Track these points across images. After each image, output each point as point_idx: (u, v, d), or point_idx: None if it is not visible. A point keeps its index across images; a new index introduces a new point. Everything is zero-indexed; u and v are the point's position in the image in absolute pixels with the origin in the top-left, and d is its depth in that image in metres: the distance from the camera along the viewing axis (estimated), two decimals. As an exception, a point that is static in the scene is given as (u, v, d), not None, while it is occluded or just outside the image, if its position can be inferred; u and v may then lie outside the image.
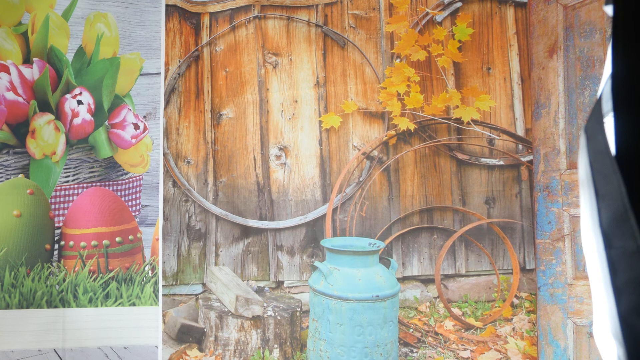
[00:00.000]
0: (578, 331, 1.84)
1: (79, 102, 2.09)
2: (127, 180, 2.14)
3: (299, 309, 2.00)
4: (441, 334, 1.95)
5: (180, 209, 2.07)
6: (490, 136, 1.98)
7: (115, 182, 2.13)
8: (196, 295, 2.04)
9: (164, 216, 2.06)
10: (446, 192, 1.99)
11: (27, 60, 2.07)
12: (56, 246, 2.08)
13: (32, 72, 2.07)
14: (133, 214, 2.13)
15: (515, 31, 1.99)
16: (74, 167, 2.10)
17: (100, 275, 2.05)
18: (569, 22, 1.89)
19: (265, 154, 2.06)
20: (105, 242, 2.06)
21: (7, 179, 2.06)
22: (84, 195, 2.08)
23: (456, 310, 1.97)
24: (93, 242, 2.04)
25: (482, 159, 1.98)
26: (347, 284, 1.84)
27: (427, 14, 2.02)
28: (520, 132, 1.97)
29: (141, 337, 2.02)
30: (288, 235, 2.03)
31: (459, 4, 2.02)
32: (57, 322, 2.00)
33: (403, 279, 1.99)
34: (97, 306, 2.02)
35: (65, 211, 2.09)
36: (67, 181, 2.09)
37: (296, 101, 2.06)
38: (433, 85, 2.01)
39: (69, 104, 2.08)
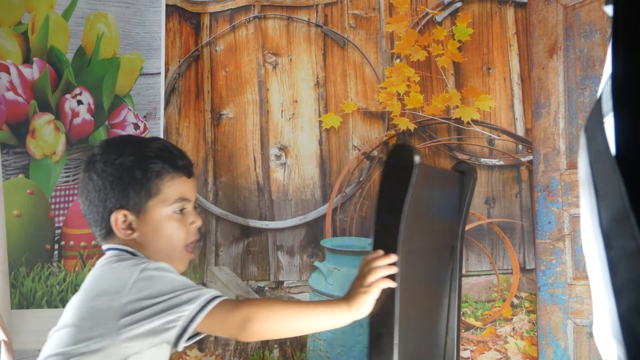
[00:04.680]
0: (578, 331, 1.84)
1: (79, 102, 2.09)
2: (127, 180, 2.14)
3: (299, 309, 2.00)
4: (441, 334, 1.95)
5: (180, 209, 2.07)
6: (490, 136, 1.98)
7: (115, 182, 2.12)
8: (196, 295, 2.04)
9: (164, 216, 2.06)
10: (446, 192, 1.99)
11: (27, 60, 2.07)
12: (56, 246, 2.08)
13: (32, 72, 2.07)
14: (133, 214, 2.12)
15: (515, 31, 1.99)
16: (74, 167, 2.10)
17: (100, 275, 2.04)
18: (569, 22, 1.89)
19: (265, 154, 2.06)
20: (105, 242, 2.05)
21: (7, 179, 2.06)
22: (84, 195, 2.07)
23: (456, 310, 1.96)
24: (93, 242, 2.04)
25: (482, 159, 1.98)
26: (348, 284, 1.84)
27: (427, 14, 2.02)
28: (520, 132, 1.97)
29: (141, 337, 2.02)
30: (288, 235, 2.04)
31: (459, 4, 2.02)
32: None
33: (403, 279, 1.98)
34: (97, 306, 2.02)
35: (66, 211, 2.09)
36: (67, 181, 2.09)
37: (296, 101, 2.06)
38: (433, 85, 2.01)
39: (69, 104, 2.08)
